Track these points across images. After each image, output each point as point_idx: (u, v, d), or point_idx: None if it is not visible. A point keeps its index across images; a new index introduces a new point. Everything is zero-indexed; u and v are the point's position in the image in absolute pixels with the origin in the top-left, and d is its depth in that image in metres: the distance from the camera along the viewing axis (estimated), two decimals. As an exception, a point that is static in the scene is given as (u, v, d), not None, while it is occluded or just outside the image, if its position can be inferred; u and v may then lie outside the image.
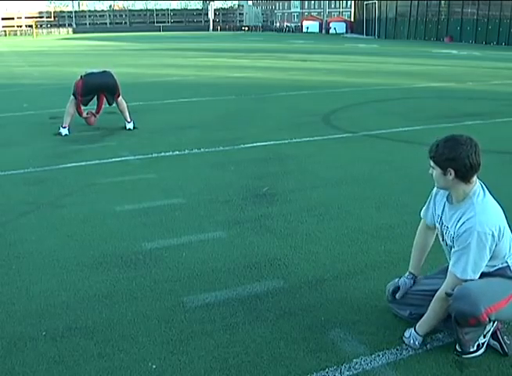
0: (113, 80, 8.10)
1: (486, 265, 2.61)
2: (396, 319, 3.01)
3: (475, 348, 2.69)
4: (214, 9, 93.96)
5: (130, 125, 8.30)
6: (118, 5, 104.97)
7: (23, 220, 4.60)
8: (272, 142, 7.34)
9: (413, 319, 2.88)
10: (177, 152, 6.89)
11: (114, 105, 8.29)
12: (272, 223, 4.47)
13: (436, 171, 2.65)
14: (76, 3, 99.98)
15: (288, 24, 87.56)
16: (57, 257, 3.85)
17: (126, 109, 8.30)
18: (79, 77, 7.97)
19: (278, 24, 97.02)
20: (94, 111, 8.39)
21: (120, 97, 8.23)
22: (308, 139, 7.57)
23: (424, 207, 2.98)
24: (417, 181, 5.34)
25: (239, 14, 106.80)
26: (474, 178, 2.63)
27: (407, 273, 3.05)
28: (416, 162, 6.06)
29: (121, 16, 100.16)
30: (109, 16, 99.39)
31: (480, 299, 2.52)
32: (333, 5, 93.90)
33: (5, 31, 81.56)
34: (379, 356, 2.71)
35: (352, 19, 68.29)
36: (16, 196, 5.24)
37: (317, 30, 72.58)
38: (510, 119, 8.99)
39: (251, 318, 3.06)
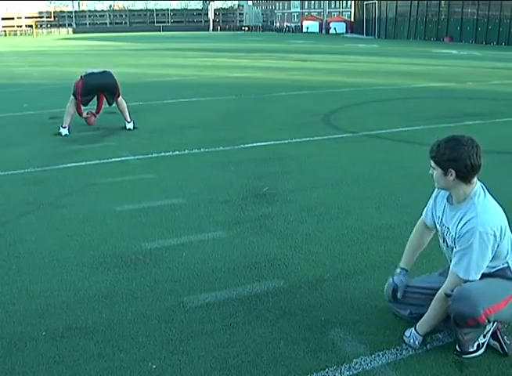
0: (113, 80, 8.10)
1: (487, 266, 2.61)
2: (396, 319, 3.01)
3: (475, 348, 2.69)
4: (214, 9, 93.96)
5: (130, 125, 8.30)
6: (118, 5, 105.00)
7: (23, 220, 4.60)
8: (272, 142, 7.34)
9: (413, 319, 2.88)
10: (177, 152, 6.89)
11: (114, 105, 8.29)
12: (272, 223, 4.47)
13: (437, 172, 2.65)
14: (76, 3, 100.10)
15: (288, 24, 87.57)
16: (57, 257, 3.85)
17: (126, 109, 8.30)
18: (79, 78, 7.97)
19: (278, 24, 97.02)
20: (94, 111, 8.39)
21: (120, 97, 8.23)
22: (308, 139, 7.57)
23: (425, 208, 2.98)
24: (417, 181, 5.34)
25: (239, 14, 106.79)
26: (475, 178, 2.63)
27: (399, 270, 3.04)
28: (416, 162, 6.06)
29: (121, 16, 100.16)
30: (109, 16, 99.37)
31: (479, 300, 2.52)
32: (333, 5, 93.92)
33: (5, 31, 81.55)
34: (379, 356, 2.71)
35: (352, 19, 68.29)
36: (16, 196, 5.24)
37: (317, 30, 72.57)
38: (510, 119, 8.99)
39: (251, 318, 3.06)
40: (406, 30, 49.23)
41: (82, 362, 2.69)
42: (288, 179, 5.67)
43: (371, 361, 2.67)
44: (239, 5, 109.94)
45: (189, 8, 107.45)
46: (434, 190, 2.90)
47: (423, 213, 3.00)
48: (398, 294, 2.99)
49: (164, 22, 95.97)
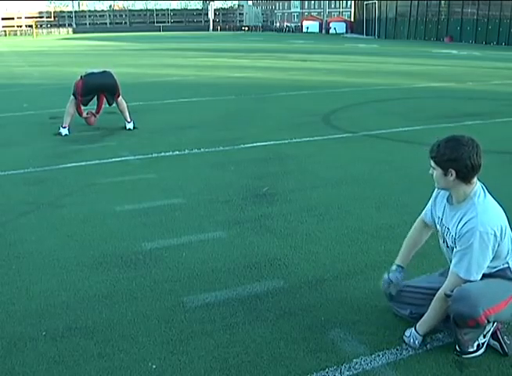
0: (113, 80, 8.10)
1: (487, 266, 2.61)
2: (396, 319, 3.01)
3: (475, 348, 2.69)
4: (214, 9, 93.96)
5: (130, 125, 8.30)
6: (118, 5, 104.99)
7: (23, 220, 4.60)
8: (272, 142, 7.34)
9: (414, 319, 2.88)
10: (177, 152, 6.89)
11: (114, 105, 8.30)
12: (272, 223, 4.47)
13: (437, 172, 2.65)
14: (76, 3, 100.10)
15: (288, 24, 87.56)
16: (57, 257, 3.85)
17: (126, 109, 8.30)
18: (79, 78, 7.97)
19: (278, 24, 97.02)
20: (94, 111, 8.39)
21: (120, 97, 8.23)
22: (308, 139, 7.57)
23: (426, 210, 2.98)
24: (417, 181, 5.33)
25: (239, 14, 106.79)
26: (475, 179, 2.63)
27: (394, 267, 3.03)
28: (416, 162, 6.06)
29: (121, 16, 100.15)
30: (109, 16, 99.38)
31: (479, 301, 2.52)
32: (333, 5, 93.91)
33: (5, 31, 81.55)
34: (379, 356, 2.71)
35: (352, 19, 68.29)
36: (16, 196, 5.24)
37: (317, 30, 72.57)
38: (510, 119, 8.99)
39: (251, 318, 3.06)
40: (406, 30, 49.23)
41: (82, 362, 2.69)
42: (288, 179, 5.67)
43: (371, 361, 2.67)
44: (239, 5, 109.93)
45: (189, 8, 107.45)
46: (434, 190, 2.90)
47: (423, 211, 3.00)
48: (393, 291, 2.99)
49: (164, 22, 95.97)
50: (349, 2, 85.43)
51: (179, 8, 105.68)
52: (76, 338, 2.88)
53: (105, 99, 8.25)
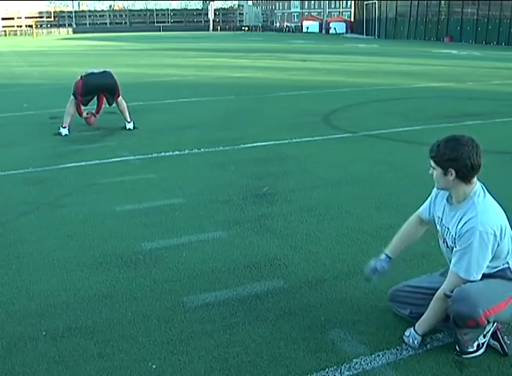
0: (113, 80, 8.10)
1: (487, 266, 2.60)
2: (396, 319, 3.01)
3: (475, 348, 2.69)
4: (214, 9, 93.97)
5: (130, 125, 8.30)
6: (118, 5, 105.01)
7: (23, 220, 4.60)
8: (272, 142, 7.34)
9: (414, 319, 2.87)
10: (177, 152, 6.89)
11: (114, 105, 8.30)
12: (272, 223, 4.47)
13: (437, 172, 2.65)
14: (76, 3, 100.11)
15: (288, 24, 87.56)
16: (57, 257, 3.85)
17: (126, 109, 8.30)
18: (79, 78, 7.97)
19: (278, 24, 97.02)
20: (94, 111, 8.39)
21: (120, 97, 8.23)
22: (308, 139, 7.57)
23: (424, 207, 2.98)
24: (417, 181, 5.33)
25: (239, 14, 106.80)
26: (475, 178, 2.63)
27: (383, 256, 3.06)
28: (416, 162, 6.06)
29: (121, 16, 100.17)
30: (109, 16, 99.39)
31: (479, 301, 2.52)
32: (333, 5, 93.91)
33: (5, 31, 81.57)
34: (379, 356, 2.71)
35: (352, 19, 68.29)
36: (16, 196, 5.24)
37: (317, 30, 72.57)
38: (510, 119, 8.99)
39: (251, 318, 3.06)
40: (406, 30, 49.23)
41: (82, 362, 2.69)
42: (288, 179, 5.67)
43: (371, 361, 2.67)
44: (239, 5, 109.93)
45: (189, 8, 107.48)
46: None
47: (421, 208, 3.00)
48: (376, 279, 3.01)
49: (164, 22, 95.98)
50: (349, 2, 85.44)
51: (179, 8, 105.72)
52: (76, 338, 2.88)
53: (105, 99, 8.25)
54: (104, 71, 8.19)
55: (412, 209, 3.65)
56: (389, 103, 11.05)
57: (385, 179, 5.69)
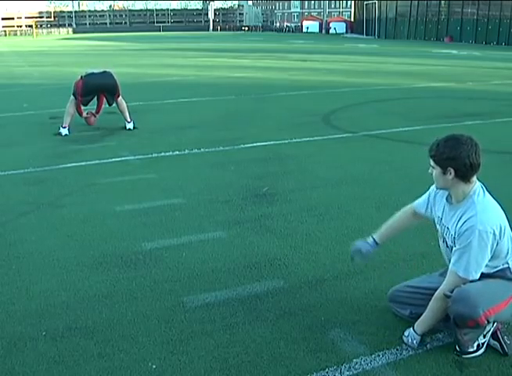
0: (113, 80, 8.10)
1: (487, 266, 2.61)
2: (396, 319, 3.01)
3: (475, 348, 2.69)
4: (214, 9, 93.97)
5: (130, 125, 8.30)
6: (118, 5, 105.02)
7: (23, 220, 4.60)
8: (272, 142, 7.34)
9: (413, 319, 2.87)
10: (177, 152, 6.89)
11: (114, 105, 8.30)
12: (272, 223, 4.47)
13: (436, 171, 2.65)
14: (76, 3, 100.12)
15: (288, 24, 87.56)
16: (57, 257, 3.85)
17: (126, 109, 8.31)
18: (79, 78, 7.97)
19: (278, 24, 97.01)
20: (94, 111, 8.39)
21: (120, 97, 8.23)
22: (308, 139, 7.57)
23: (421, 201, 2.98)
24: (417, 181, 5.32)
25: (239, 14, 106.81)
26: (474, 178, 2.63)
27: (371, 239, 3.11)
28: (416, 162, 6.06)
29: (121, 16, 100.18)
30: (109, 16, 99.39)
31: (479, 302, 2.52)
32: (333, 5, 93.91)
33: (5, 31, 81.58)
34: (379, 356, 2.71)
35: (352, 19, 68.29)
36: (16, 196, 5.24)
37: (317, 30, 72.57)
38: (510, 119, 8.99)
39: (251, 318, 3.06)
40: (406, 30, 49.22)
41: (82, 362, 2.69)
42: (288, 179, 5.67)
43: (371, 361, 2.67)
44: (239, 5, 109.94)
45: (189, 8, 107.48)
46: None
47: (416, 201, 3.01)
48: (358, 259, 3.06)
49: (164, 22, 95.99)
50: (349, 2, 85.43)
51: (179, 8, 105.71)
52: (76, 338, 2.88)
53: (105, 100, 8.25)
54: (104, 71, 8.19)
55: (412, 209, 3.64)
56: (389, 103, 11.05)
57: (385, 179, 5.69)
